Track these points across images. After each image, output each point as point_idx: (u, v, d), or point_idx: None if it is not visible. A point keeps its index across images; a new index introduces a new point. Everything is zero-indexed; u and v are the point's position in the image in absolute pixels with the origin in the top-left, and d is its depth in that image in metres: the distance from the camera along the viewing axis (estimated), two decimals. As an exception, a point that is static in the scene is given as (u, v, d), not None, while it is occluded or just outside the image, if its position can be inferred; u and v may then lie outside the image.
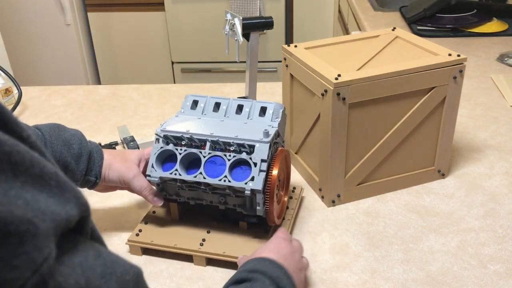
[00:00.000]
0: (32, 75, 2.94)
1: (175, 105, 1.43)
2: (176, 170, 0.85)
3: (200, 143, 0.86)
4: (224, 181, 0.83)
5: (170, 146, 0.86)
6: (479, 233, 0.94)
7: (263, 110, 0.91)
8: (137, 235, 0.91)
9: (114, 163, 0.88)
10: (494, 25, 1.89)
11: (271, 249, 0.75)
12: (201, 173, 0.84)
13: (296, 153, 1.13)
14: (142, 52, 2.98)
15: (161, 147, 0.87)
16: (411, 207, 1.01)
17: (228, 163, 0.83)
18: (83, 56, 2.92)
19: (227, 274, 0.85)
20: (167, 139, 0.87)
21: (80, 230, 0.41)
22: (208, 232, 0.91)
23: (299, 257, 0.78)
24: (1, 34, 1.76)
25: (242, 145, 0.84)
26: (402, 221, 0.97)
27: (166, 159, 0.88)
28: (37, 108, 1.46)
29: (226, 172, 0.83)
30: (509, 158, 1.15)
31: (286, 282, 0.67)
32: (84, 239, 0.41)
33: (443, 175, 1.09)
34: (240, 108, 0.92)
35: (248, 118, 0.91)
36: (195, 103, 0.94)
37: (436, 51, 1.01)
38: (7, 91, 1.46)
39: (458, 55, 0.98)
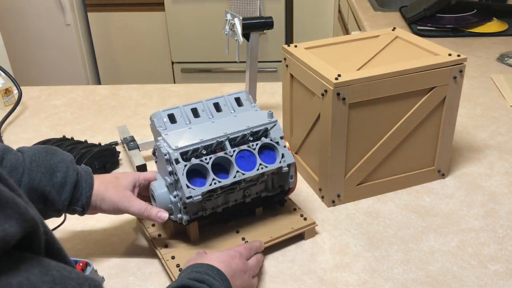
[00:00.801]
0: (32, 75, 2.94)
1: (175, 105, 1.43)
2: (213, 179, 0.82)
3: (215, 148, 0.85)
4: (262, 168, 0.85)
5: (194, 161, 0.82)
6: (479, 233, 0.94)
7: (237, 101, 0.92)
8: (177, 266, 0.84)
9: (106, 194, 0.82)
10: (494, 25, 1.89)
11: (223, 260, 0.75)
12: (237, 171, 0.84)
13: (296, 153, 1.13)
14: (142, 52, 2.98)
15: (185, 165, 0.81)
16: (411, 207, 1.01)
17: (256, 152, 0.86)
18: (83, 56, 2.92)
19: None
20: (185, 155, 0.82)
21: (29, 247, 0.39)
22: (237, 231, 0.91)
23: (248, 277, 0.78)
24: (1, 34, 1.76)
25: (257, 133, 0.88)
26: (402, 221, 0.97)
27: (188, 175, 0.83)
28: (37, 108, 1.46)
29: (259, 160, 0.86)
30: (509, 158, 1.15)
31: None
32: (31, 256, 0.39)
33: (443, 175, 1.09)
34: (217, 106, 0.91)
35: (232, 112, 0.91)
36: (171, 118, 0.88)
37: (436, 51, 1.01)
38: (7, 91, 1.46)
39: (458, 55, 0.98)
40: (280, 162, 0.87)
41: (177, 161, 0.81)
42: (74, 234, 0.97)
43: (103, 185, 0.83)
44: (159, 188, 0.85)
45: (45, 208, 0.78)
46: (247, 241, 0.88)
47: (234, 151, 0.85)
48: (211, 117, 0.90)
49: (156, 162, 0.90)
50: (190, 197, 0.80)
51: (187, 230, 0.89)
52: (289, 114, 1.11)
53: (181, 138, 0.84)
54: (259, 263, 0.83)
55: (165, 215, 0.83)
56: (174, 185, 0.83)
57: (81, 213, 0.82)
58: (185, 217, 0.84)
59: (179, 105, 0.90)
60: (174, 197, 0.84)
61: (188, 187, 0.81)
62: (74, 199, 0.79)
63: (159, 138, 0.85)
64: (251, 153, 0.86)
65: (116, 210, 0.83)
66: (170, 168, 0.82)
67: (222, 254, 0.77)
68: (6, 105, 1.46)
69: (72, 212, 0.81)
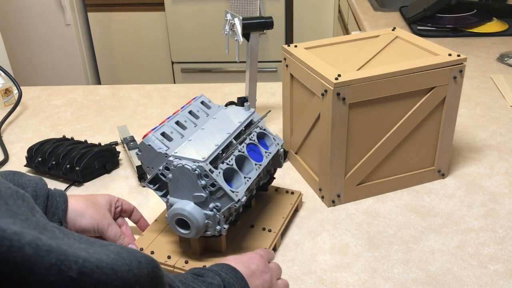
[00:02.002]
0: (32, 75, 2.94)
1: (175, 105, 1.43)
2: (245, 177, 0.83)
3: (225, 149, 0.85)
4: (268, 155, 0.90)
5: (223, 166, 0.81)
6: (479, 233, 0.94)
7: (205, 105, 0.93)
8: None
9: (87, 211, 0.80)
10: (494, 25, 1.89)
11: (242, 261, 0.73)
12: (255, 164, 0.86)
13: (296, 153, 1.13)
14: (142, 52, 2.98)
15: (220, 172, 0.80)
16: (411, 207, 1.01)
17: (257, 143, 0.90)
18: (83, 56, 2.92)
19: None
20: (214, 162, 0.80)
21: None
22: (252, 226, 0.92)
23: (270, 278, 0.74)
24: (1, 34, 1.76)
25: (248, 125, 0.92)
26: (402, 221, 0.97)
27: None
28: (37, 108, 1.46)
29: (263, 149, 0.90)
30: (509, 158, 1.15)
31: None
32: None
33: (443, 175, 1.09)
34: (193, 114, 0.89)
35: (208, 115, 0.91)
36: (165, 136, 0.83)
37: (436, 51, 1.01)
38: (7, 91, 1.46)
39: (458, 55, 0.98)
40: (275, 145, 0.93)
41: (211, 171, 0.78)
42: (74, 234, 0.96)
43: (82, 201, 0.81)
44: (187, 206, 0.79)
45: None
46: (270, 230, 0.91)
47: (243, 146, 0.86)
48: (196, 125, 0.87)
49: (157, 187, 0.84)
50: (238, 200, 0.79)
51: (214, 244, 0.86)
52: (289, 114, 1.11)
53: (194, 149, 0.81)
54: (278, 267, 0.80)
55: (134, 243, 0.86)
56: (208, 199, 0.79)
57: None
58: (226, 226, 0.82)
59: (163, 121, 0.86)
60: (211, 210, 0.80)
61: (232, 191, 0.79)
62: (49, 213, 0.77)
63: (170, 159, 0.79)
64: (254, 144, 0.89)
65: (95, 229, 0.81)
66: (202, 182, 0.78)
67: (241, 256, 0.75)
68: (6, 105, 1.46)
69: None
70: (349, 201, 1.02)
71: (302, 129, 1.06)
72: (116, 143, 1.23)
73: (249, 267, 0.73)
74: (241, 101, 1.21)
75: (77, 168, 1.08)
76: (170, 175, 0.80)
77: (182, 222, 0.81)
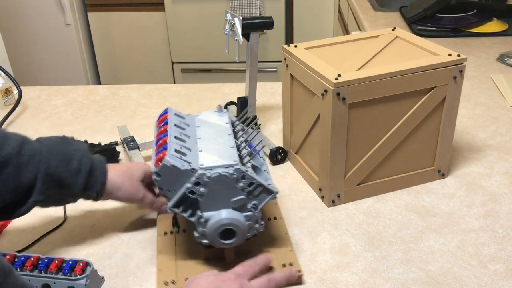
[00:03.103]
0: (32, 75, 2.94)
1: (175, 105, 1.43)
2: (265, 170, 0.85)
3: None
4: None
5: (249, 162, 0.81)
6: (479, 233, 0.94)
7: (179, 116, 0.91)
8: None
9: (123, 185, 0.88)
10: (494, 25, 1.89)
11: (215, 285, 0.72)
12: (261, 157, 0.88)
13: (296, 153, 1.13)
14: (142, 52, 2.98)
15: (251, 170, 0.80)
16: (411, 207, 1.01)
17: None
18: (83, 56, 2.92)
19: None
20: (241, 162, 0.79)
21: None
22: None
23: None
24: (1, 34, 1.75)
25: (233, 123, 0.92)
26: (402, 221, 0.97)
27: None
28: (37, 108, 1.46)
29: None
30: (509, 158, 1.15)
31: None
32: None
33: (443, 175, 1.09)
34: (178, 127, 0.87)
35: (190, 126, 0.89)
36: (181, 152, 0.79)
37: (436, 51, 1.01)
38: (7, 91, 1.46)
39: (458, 55, 0.98)
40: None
41: (246, 171, 0.77)
42: (74, 234, 0.97)
43: (119, 175, 0.89)
44: (230, 213, 0.78)
45: (60, 192, 0.83)
46: (276, 218, 0.93)
47: (246, 144, 0.87)
48: (189, 136, 0.85)
49: (182, 209, 0.80)
50: (277, 192, 0.81)
51: (222, 252, 0.84)
52: (289, 114, 1.11)
53: (216, 157, 0.78)
54: (269, 281, 0.78)
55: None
56: (246, 200, 0.79)
57: (96, 199, 0.88)
58: (263, 222, 0.82)
59: (160, 141, 0.83)
60: (249, 210, 0.80)
61: (269, 185, 0.79)
62: (88, 185, 0.85)
63: (201, 173, 0.76)
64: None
65: (129, 200, 0.91)
66: (241, 184, 0.77)
67: (215, 279, 0.74)
68: (6, 105, 1.46)
69: (87, 197, 0.87)
70: (349, 201, 1.02)
71: (302, 129, 1.06)
72: (116, 143, 1.23)
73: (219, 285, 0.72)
74: (241, 101, 1.21)
75: (77, 168, 1.08)
76: (202, 189, 0.76)
77: (225, 233, 0.79)
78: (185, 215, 0.79)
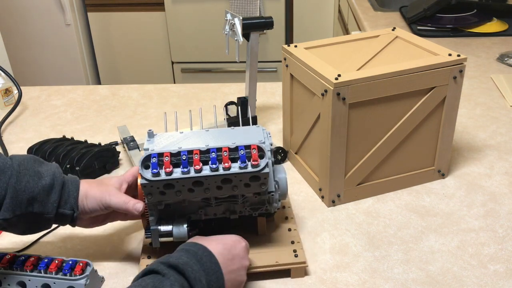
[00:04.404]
0: (32, 75, 2.94)
1: (175, 105, 1.43)
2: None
3: None
4: None
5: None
6: (479, 233, 0.94)
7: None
8: None
9: (90, 191, 0.82)
10: (494, 25, 1.89)
11: (225, 243, 0.76)
12: None
13: (296, 153, 1.13)
14: (142, 52, 2.98)
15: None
16: (411, 207, 1.01)
17: None
18: (83, 56, 2.92)
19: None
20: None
21: None
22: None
23: (245, 270, 0.78)
24: (1, 34, 1.75)
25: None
26: (402, 221, 0.97)
27: None
28: (37, 108, 1.46)
29: None
30: (509, 158, 1.15)
31: None
32: None
33: (443, 175, 1.09)
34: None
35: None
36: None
37: (436, 51, 1.01)
38: (7, 91, 1.46)
39: (458, 55, 0.98)
40: None
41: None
42: (74, 234, 0.97)
43: (87, 184, 0.83)
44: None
45: (33, 214, 0.77)
46: None
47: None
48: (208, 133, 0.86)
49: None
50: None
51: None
52: (289, 114, 1.11)
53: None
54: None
55: (139, 205, 0.82)
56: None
57: (73, 220, 0.81)
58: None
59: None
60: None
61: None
62: (62, 201, 0.79)
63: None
64: None
65: (101, 206, 0.82)
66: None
67: (227, 238, 0.78)
68: (6, 105, 1.46)
69: (61, 218, 0.80)
70: (349, 201, 1.02)
71: (302, 129, 1.06)
72: (116, 143, 1.23)
73: (230, 251, 0.76)
74: (241, 101, 1.21)
75: (77, 168, 1.08)
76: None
77: None
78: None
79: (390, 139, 0.99)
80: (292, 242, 0.88)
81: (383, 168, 1.03)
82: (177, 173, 0.77)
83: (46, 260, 0.80)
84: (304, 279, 0.84)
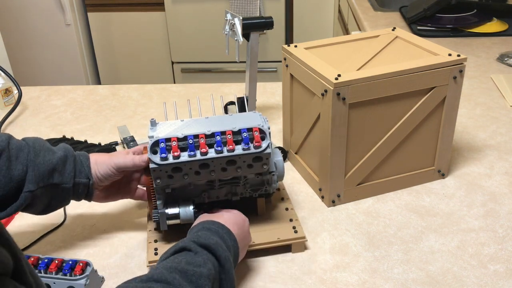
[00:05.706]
0: (32, 75, 2.94)
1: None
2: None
3: None
4: None
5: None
6: (479, 233, 0.94)
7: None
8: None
9: (99, 158, 0.88)
10: (494, 25, 1.89)
11: (237, 222, 0.82)
12: None
13: (296, 153, 1.13)
14: (142, 52, 2.98)
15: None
16: (411, 207, 1.01)
17: None
18: (83, 56, 2.92)
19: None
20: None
21: None
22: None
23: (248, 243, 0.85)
24: (1, 34, 1.75)
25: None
26: (402, 221, 0.97)
27: None
28: (37, 108, 1.46)
29: None
30: (509, 158, 1.15)
31: (230, 266, 0.72)
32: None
33: (443, 175, 1.09)
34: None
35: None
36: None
37: (436, 51, 1.01)
38: (7, 91, 1.46)
39: (458, 55, 0.98)
40: None
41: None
42: (74, 234, 0.97)
43: (96, 154, 0.89)
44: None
45: (54, 186, 0.82)
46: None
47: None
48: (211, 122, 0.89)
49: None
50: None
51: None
52: (289, 114, 1.11)
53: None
54: None
55: (145, 156, 0.86)
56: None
57: (88, 192, 0.87)
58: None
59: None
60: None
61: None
62: (77, 171, 0.85)
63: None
64: None
65: (111, 169, 0.87)
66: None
67: (236, 216, 0.83)
68: (6, 105, 1.46)
69: (78, 189, 0.85)
70: (349, 201, 1.02)
71: (302, 129, 1.06)
72: (116, 143, 1.23)
73: (243, 229, 0.83)
74: (241, 101, 1.21)
75: (77, 168, 1.08)
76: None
77: None
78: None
79: (390, 139, 0.99)
80: (291, 220, 0.93)
81: (383, 168, 1.03)
82: (184, 156, 0.82)
83: (46, 260, 0.80)
84: (304, 279, 0.85)
